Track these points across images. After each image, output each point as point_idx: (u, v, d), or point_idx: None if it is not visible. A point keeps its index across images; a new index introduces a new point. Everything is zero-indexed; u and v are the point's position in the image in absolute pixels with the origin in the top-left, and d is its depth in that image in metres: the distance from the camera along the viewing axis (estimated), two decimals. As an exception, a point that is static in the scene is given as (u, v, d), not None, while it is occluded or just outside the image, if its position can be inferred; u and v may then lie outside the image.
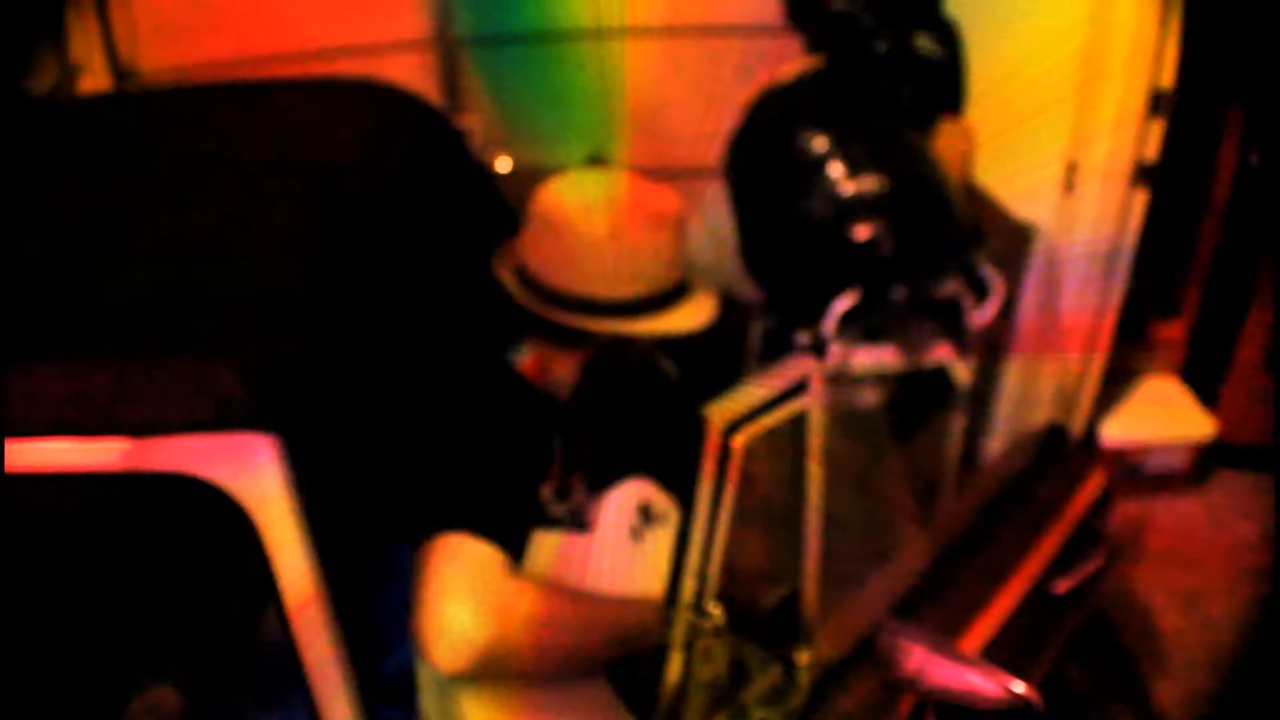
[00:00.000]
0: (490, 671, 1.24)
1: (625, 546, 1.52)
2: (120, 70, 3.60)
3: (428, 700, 1.39)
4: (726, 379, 1.09)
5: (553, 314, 1.50)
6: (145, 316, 1.19)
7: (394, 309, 1.45)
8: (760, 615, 1.30)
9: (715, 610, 1.05)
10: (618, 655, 1.36)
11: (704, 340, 1.60)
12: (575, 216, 1.49)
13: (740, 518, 1.07)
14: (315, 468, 1.18)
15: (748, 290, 3.14)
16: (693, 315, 1.56)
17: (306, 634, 1.18)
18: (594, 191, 1.53)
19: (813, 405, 1.10)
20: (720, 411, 0.99)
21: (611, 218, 1.48)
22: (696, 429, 1.01)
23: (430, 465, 1.37)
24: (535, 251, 1.53)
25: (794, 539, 1.20)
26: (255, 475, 1.13)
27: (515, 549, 1.32)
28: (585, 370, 1.62)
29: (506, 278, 1.57)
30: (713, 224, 3.34)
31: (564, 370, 1.60)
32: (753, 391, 1.05)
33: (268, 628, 1.62)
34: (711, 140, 3.05)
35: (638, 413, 1.81)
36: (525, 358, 1.55)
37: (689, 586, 1.02)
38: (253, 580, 1.19)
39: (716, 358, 2.24)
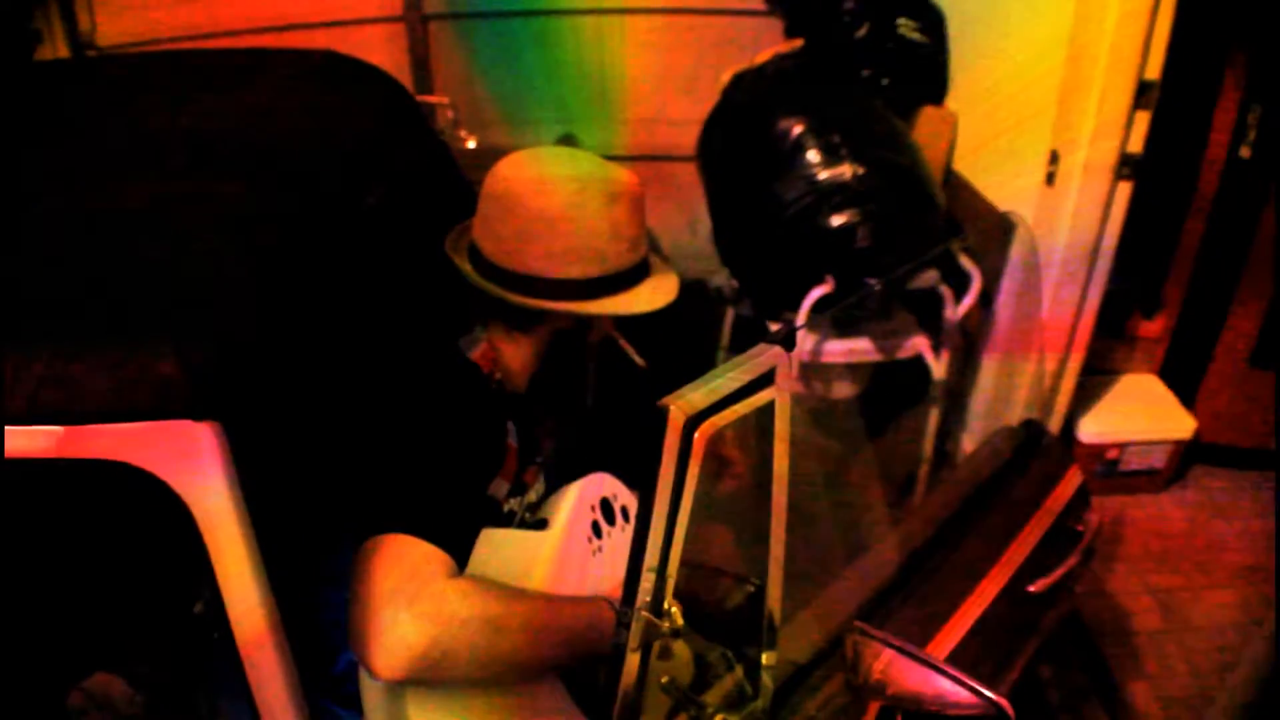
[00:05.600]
0: (430, 677, 1.20)
1: (585, 545, 1.49)
2: (80, 41, 3.54)
3: (372, 704, 1.36)
4: (698, 368, 1.06)
5: (508, 296, 1.46)
6: (81, 298, 1.15)
7: (345, 293, 1.41)
8: (722, 615, 1.27)
9: (674, 610, 1.01)
10: (573, 659, 1.33)
11: (675, 327, 1.57)
12: (529, 194, 1.45)
13: (703, 513, 1.04)
14: (260, 458, 1.15)
15: (722, 277, 3.13)
16: (655, 295, 1.52)
17: (248, 634, 1.14)
18: (549, 169, 1.49)
19: (779, 396, 1.07)
20: (682, 401, 0.96)
21: (567, 195, 1.44)
22: (661, 419, 0.97)
23: (376, 457, 1.33)
24: (489, 232, 1.49)
25: (759, 535, 1.17)
26: (194, 465, 1.09)
27: (461, 547, 1.28)
28: (543, 357, 1.58)
29: (459, 261, 1.52)
30: (689, 209, 3.32)
31: (520, 357, 1.56)
32: (717, 380, 1.01)
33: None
34: (688, 124, 3.03)
35: (600, 402, 1.77)
36: (478, 345, 1.51)
37: (645, 585, 0.99)
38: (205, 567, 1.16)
39: (688, 346, 2.21)
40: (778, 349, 1.07)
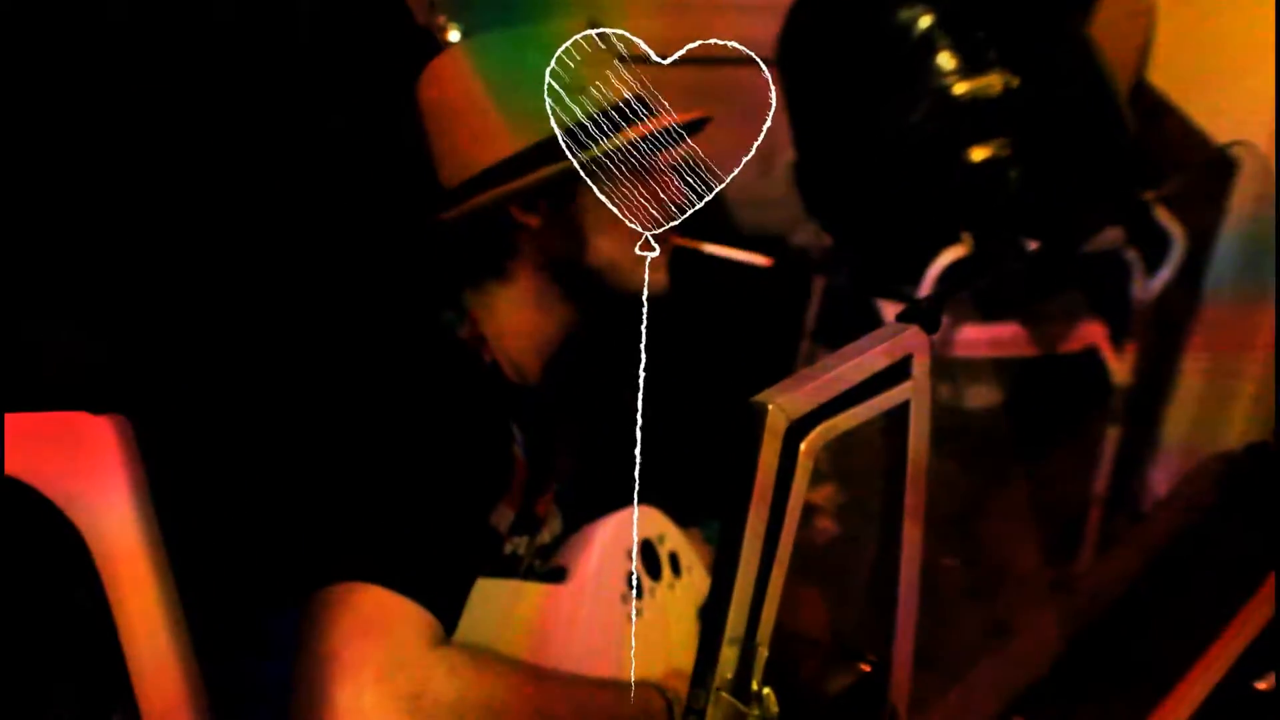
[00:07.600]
0: None
1: (618, 606, 1.51)
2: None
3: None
4: (779, 356, 1.08)
5: (449, 214, 1.50)
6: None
7: (297, 245, 1.43)
8: (826, 701, 1.29)
9: (768, 693, 1.04)
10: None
11: (741, 303, 1.58)
12: (472, 68, 1.54)
13: (802, 561, 1.06)
14: (176, 471, 1.17)
15: (809, 234, 3.13)
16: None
17: (158, 705, 1.17)
18: (471, 50, 1.58)
19: (917, 396, 1.09)
20: (782, 399, 0.97)
21: (509, 49, 1.54)
22: (741, 426, 0.98)
23: (336, 473, 1.35)
24: (449, 142, 1.55)
25: (879, 596, 1.19)
26: (89, 474, 1.12)
27: (451, 605, 1.31)
28: (553, 321, 1.60)
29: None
30: (764, 140, 3.32)
31: (515, 323, 1.58)
32: (828, 373, 1.02)
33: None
34: (761, 11, 3.04)
35: (648, 396, 1.79)
36: (464, 321, 1.53)
37: (728, 659, 1.01)
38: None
39: (760, 329, 2.22)
40: (914, 330, 1.08)
